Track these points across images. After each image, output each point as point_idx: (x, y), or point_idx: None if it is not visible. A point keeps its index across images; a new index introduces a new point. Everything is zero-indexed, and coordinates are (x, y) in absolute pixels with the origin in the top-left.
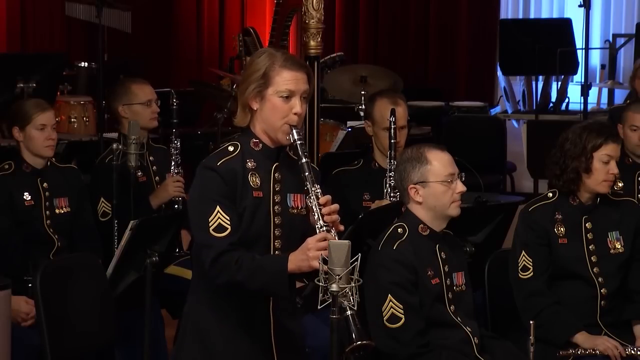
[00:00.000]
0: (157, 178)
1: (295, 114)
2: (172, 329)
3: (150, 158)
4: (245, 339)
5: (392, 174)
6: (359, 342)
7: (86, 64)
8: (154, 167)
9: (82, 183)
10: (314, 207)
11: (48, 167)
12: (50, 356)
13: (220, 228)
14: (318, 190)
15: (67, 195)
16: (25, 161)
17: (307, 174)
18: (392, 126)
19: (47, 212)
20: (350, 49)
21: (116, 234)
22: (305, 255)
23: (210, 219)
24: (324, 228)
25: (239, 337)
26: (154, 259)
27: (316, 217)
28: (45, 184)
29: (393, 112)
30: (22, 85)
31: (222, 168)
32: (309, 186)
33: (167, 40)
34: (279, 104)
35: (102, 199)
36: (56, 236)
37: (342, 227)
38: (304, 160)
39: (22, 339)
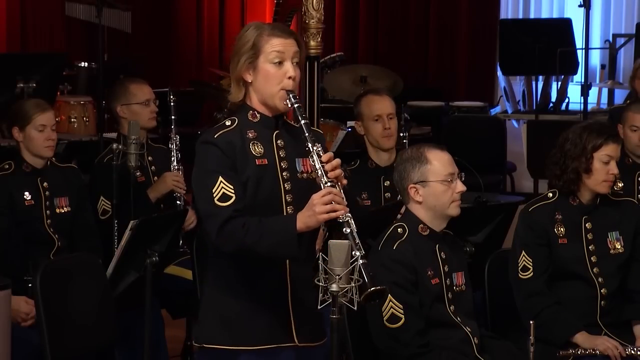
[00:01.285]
0: (155, 178)
1: (289, 77)
2: (172, 329)
3: (149, 158)
4: (263, 312)
5: None
6: (373, 289)
7: (86, 64)
8: (153, 167)
9: (82, 183)
10: (316, 164)
11: (48, 167)
12: (50, 356)
13: (224, 197)
14: (319, 149)
15: (67, 194)
16: (25, 161)
17: (307, 134)
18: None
19: (47, 212)
20: (350, 49)
21: (116, 234)
22: (312, 212)
23: (213, 190)
24: (329, 184)
25: (257, 311)
26: (154, 259)
27: (319, 174)
28: (45, 184)
29: (406, 117)
30: (22, 85)
31: (220, 140)
32: (309, 146)
33: (167, 40)
34: (272, 70)
35: (101, 198)
36: (56, 236)
37: (345, 182)
38: (302, 121)
39: (22, 339)
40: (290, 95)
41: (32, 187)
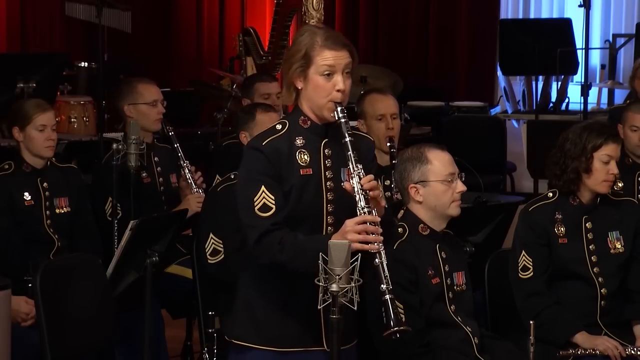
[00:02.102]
0: (160, 179)
1: (338, 90)
2: (172, 329)
3: (155, 159)
4: (293, 314)
5: None
6: (396, 329)
7: (86, 64)
8: (159, 168)
9: (82, 183)
10: (355, 187)
11: (48, 167)
12: (50, 356)
13: (264, 208)
14: (360, 171)
15: (67, 195)
16: (25, 161)
17: (349, 153)
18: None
19: (47, 212)
20: None
21: (116, 234)
22: (344, 239)
23: (255, 199)
24: (365, 209)
25: (288, 314)
26: (154, 259)
27: (357, 198)
28: (45, 184)
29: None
30: (22, 85)
31: (267, 147)
32: (351, 167)
33: (167, 40)
34: (321, 82)
35: (109, 199)
36: (56, 236)
37: (383, 203)
38: (347, 139)
39: (22, 339)
40: (338, 109)
41: (32, 187)
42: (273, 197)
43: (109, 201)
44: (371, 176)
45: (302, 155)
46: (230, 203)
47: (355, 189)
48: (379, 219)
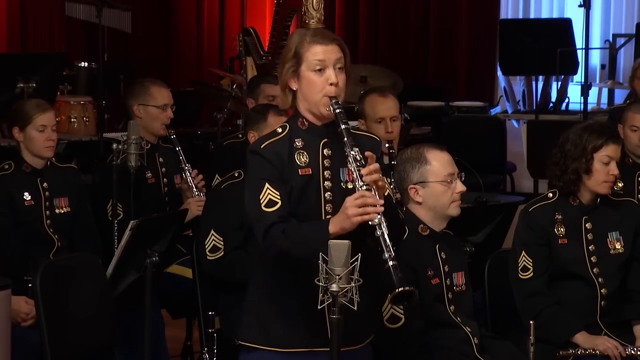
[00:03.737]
0: (164, 180)
1: (331, 84)
2: (172, 329)
3: (160, 159)
4: (297, 315)
5: None
6: (401, 289)
7: (86, 64)
8: (163, 169)
9: (82, 183)
10: (352, 168)
11: (48, 167)
12: (50, 356)
13: (270, 203)
14: (357, 153)
15: (67, 195)
16: (25, 161)
17: (345, 139)
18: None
19: (47, 212)
20: (350, 49)
21: (116, 234)
22: (345, 215)
23: (260, 196)
24: (364, 187)
25: (293, 315)
26: (154, 259)
27: (355, 176)
28: (45, 184)
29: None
30: (22, 85)
31: (266, 151)
32: (347, 150)
33: (167, 40)
34: (313, 78)
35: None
36: (56, 236)
37: (381, 184)
38: (342, 126)
39: (22, 339)
40: (333, 102)
41: (32, 187)
42: (278, 193)
43: (111, 202)
44: (370, 154)
45: (301, 157)
46: (233, 201)
47: (353, 169)
48: (376, 196)
